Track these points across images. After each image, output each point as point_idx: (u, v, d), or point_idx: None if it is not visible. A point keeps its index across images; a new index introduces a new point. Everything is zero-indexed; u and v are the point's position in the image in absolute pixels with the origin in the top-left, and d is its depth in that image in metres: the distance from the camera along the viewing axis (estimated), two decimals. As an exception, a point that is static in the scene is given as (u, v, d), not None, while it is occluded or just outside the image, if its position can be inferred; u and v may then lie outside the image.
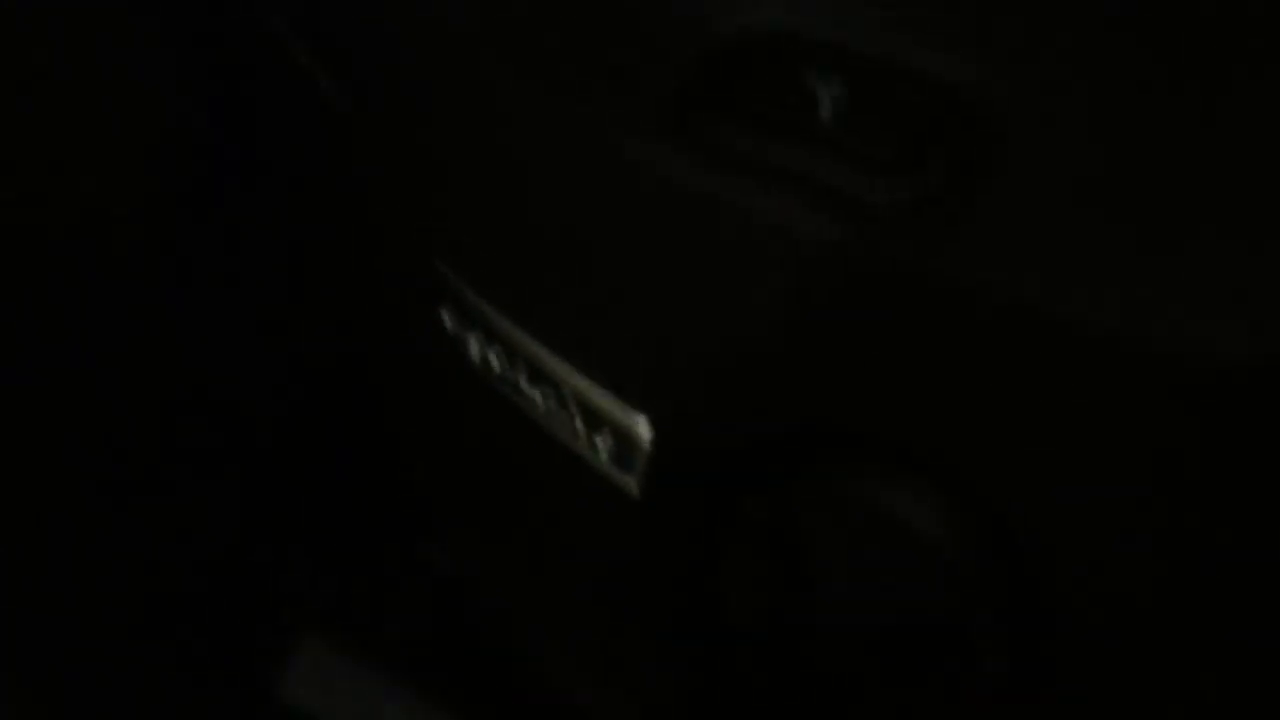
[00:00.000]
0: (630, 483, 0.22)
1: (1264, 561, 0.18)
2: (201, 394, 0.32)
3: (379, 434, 0.32)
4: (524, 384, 0.23)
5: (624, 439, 0.22)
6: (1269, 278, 0.17)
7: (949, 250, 0.18)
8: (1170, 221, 0.17)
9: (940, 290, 0.18)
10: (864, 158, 0.18)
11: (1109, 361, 0.17)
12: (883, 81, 0.19)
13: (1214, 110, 0.17)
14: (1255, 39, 0.17)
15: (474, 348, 0.24)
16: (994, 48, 0.19)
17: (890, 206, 0.18)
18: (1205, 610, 0.18)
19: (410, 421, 0.29)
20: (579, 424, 0.23)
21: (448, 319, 0.24)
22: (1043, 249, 0.17)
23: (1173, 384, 0.17)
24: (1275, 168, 0.17)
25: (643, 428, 0.22)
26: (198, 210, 0.31)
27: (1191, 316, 0.17)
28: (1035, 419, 0.18)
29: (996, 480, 0.19)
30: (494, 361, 0.24)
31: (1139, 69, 0.17)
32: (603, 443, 0.22)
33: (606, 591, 0.24)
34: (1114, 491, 0.18)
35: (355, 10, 0.24)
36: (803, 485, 0.20)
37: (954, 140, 0.18)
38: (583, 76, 0.21)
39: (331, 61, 0.26)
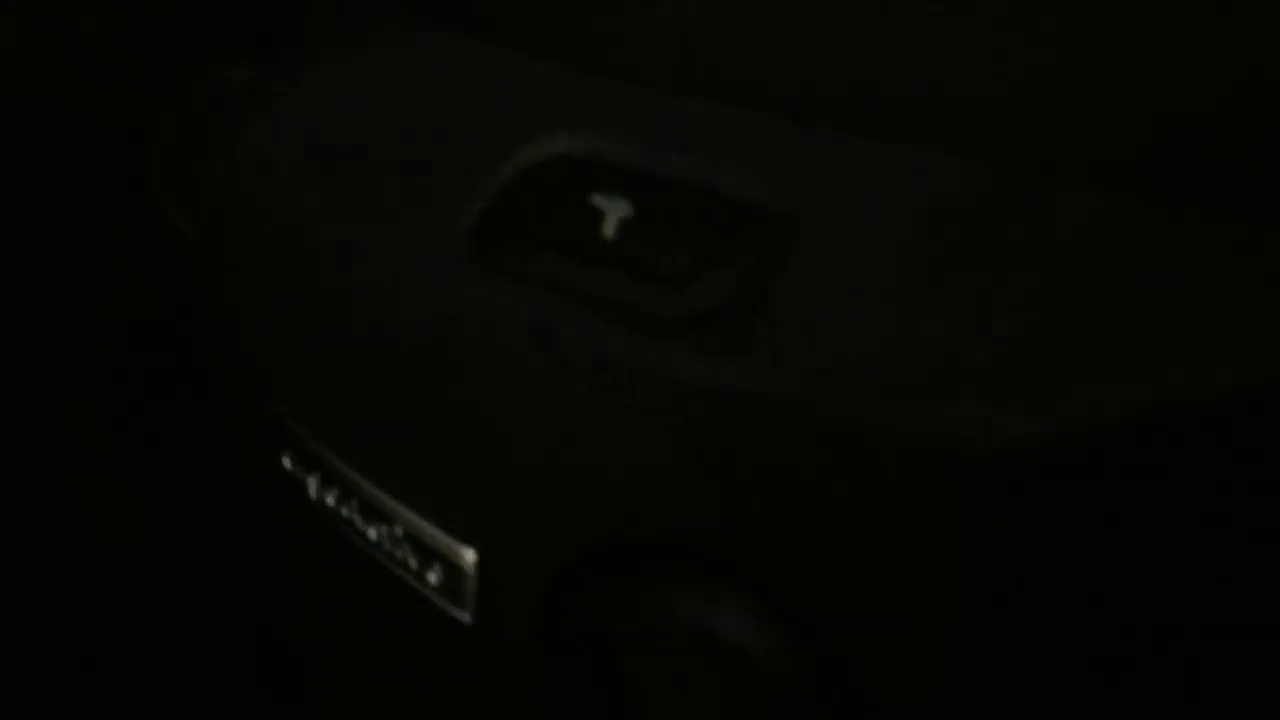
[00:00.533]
0: (461, 612, 0.22)
1: (1059, 648, 0.18)
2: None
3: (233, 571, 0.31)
4: (359, 521, 0.23)
5: (452, 570, 0.22)
6: (1033, 370, 0.17)
7: (730, 360, 0.18)
8: (945, 321, 0.17)
9: (730, 400, 0.18)
10: (648, 272, 0.19)
11: (893, 458, 0.17)
12: (667, 199, 0.19)
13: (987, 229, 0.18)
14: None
15: (312, 487, 0.24)
16: (780, 165, 0.19)
17: (676, 319, 0.18)
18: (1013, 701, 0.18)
19: (262, 562, 0.28)
20: (411, 558, 0.23)
21: (288, 460, 0.24)
22: (825, 355, 0.18)
23: (952, 473, 0.17)
24: (1036, 271, 0.17)
25: (469, 558, 0.22)
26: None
27: (966, 407, 0.17)
28: (833, 523, 0.18)
29: (804, 587, 0.19)
30: (330, 502, 0.24)
31: (921, 182, 0.18)
32: (434, 575, 0.22)
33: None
34: (911, 589, 0.18)
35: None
36: (619, 604, 0.20)
37: (734, 253, 0.19)
38: (388, 210, 0.22)
39: (183, 201, 0.27)
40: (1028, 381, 0.17)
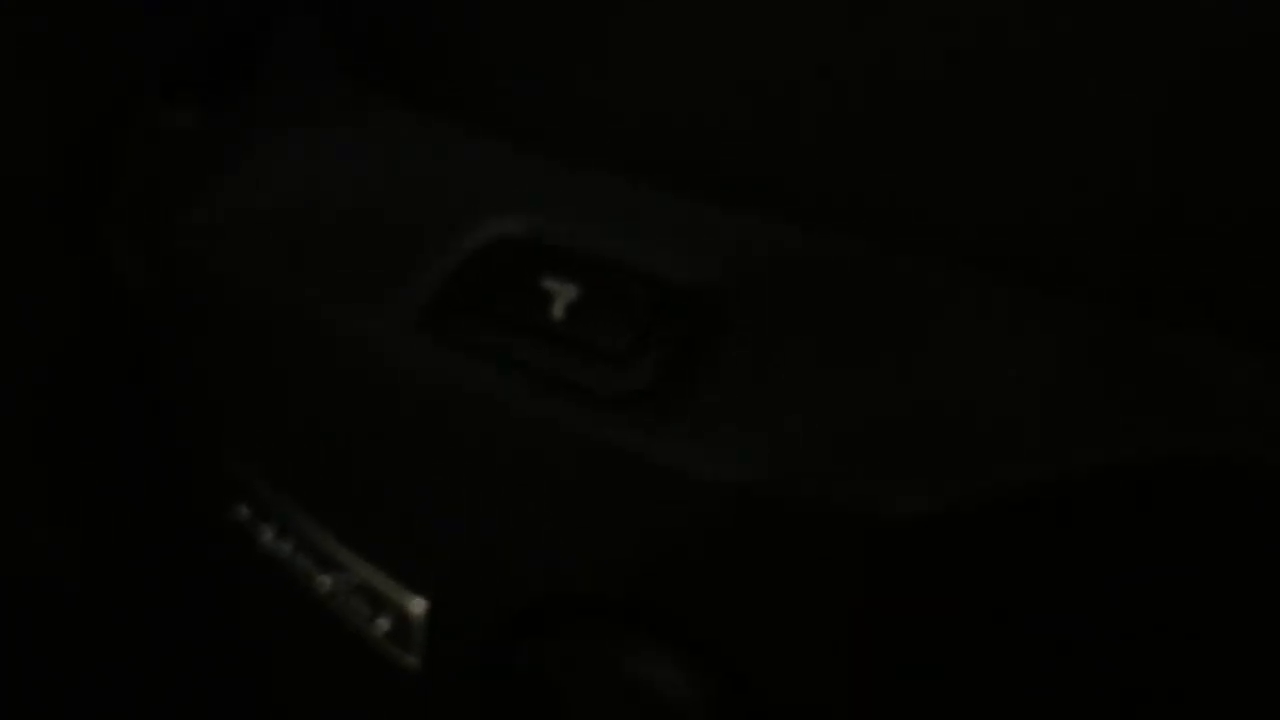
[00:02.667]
0: (410, 658, 0.24)
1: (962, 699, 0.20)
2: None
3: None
4: (312, 569, 0.25)
5: (401, 617, 0.23)
6: (931, 450, 0.19)
7: (664, 433, 0.20)
8: (857, 402, 0.19)
9: (658, 471, 0.20)
10: (591, 351, 0.21)
11: (807, 525, 0.19)
12: (610, 280, 0.21)
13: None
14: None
15: (266, 536, 0.25)
16: (710, 250, 0.21)
17: (613, 396, 0.20)
18: None
19: (209, 606, 0.30)
20: (363, 606, 0.24)
21: (242, 511, 0.26)
22: (746, 430, 0.19)
23: (861, 539, 0.19)
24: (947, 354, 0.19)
25: (418, 606, 0.23)
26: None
27: (874, 479, 0.19)
28: (751, 581, 0.20)
29: (730, 640, 0.20)
30: (283, 549, 0.25)
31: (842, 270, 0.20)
32: (384, 622, 0.24)
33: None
34: (823, 641, 0.20)
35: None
36: (558, 653, 0.21)
37: (672, 333, 0.20)
38: (344, 281, 0.23)
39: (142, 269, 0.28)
40: (926, 459, 0.19)
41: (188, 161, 0.29)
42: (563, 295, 0.21)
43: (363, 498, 0.23)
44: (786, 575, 0.20)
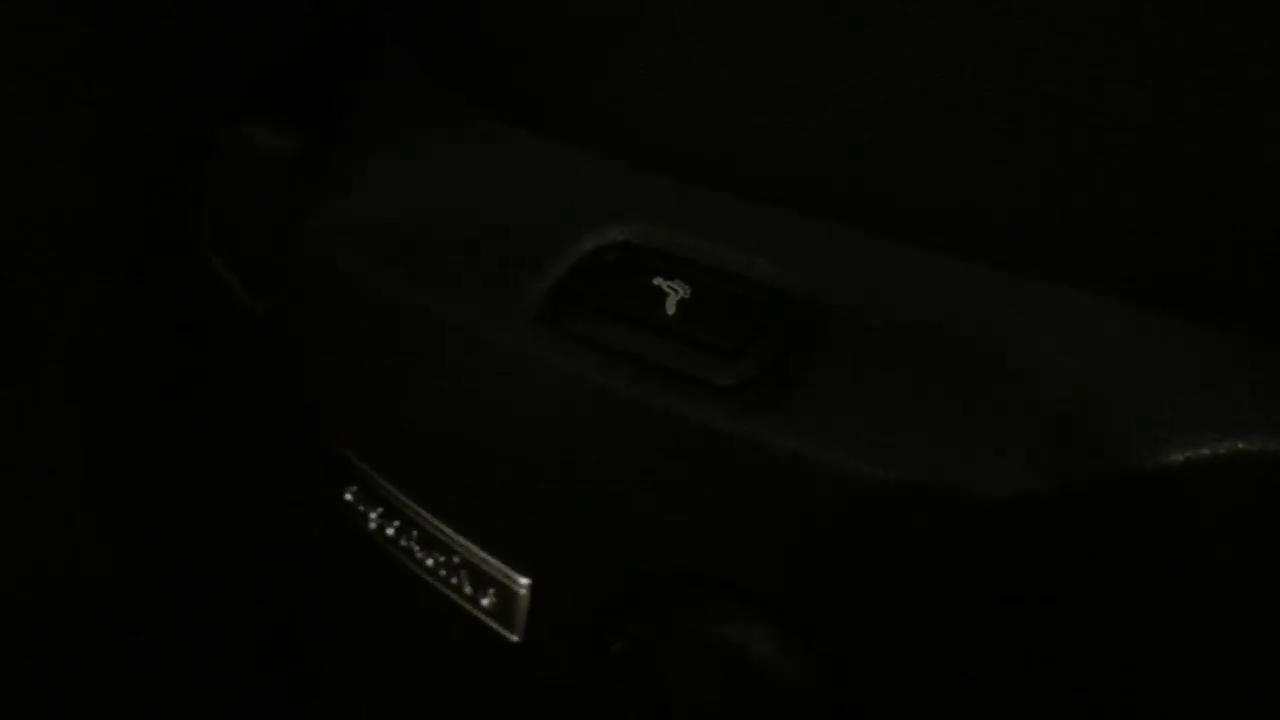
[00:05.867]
0: (511, 633, 0.25)
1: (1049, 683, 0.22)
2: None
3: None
4: (418, 550, 0.26)
5: (505, 595, 0.25)
6: (1030, 430, 0.21)
7: (774, 420, 0.22)
8: (945, 395, 0.21)
9: (768, 455, 0.21)
10: (702, 344, 0.23)
11: (901, 507, 0.21)
12: (717, 282, 0.23)
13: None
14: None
15: (373, 521, 0.27)
16: (811, 259, 0.23)
17: (725, 385, 0.22)
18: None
19: (306, 594, 0.31)
20: (467, 583, 0.26)
21: (350, 496, 0.27)
22: (851, 415, 0.21)
23: (960, 519, 0.21)
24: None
25: (522, 585, 0.25)
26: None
27: (973, 462, 0.21)
28: (853, 561, 0.21)
29: (831, 619, 0.22)
30: (390, 532, 0.27)
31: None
32: (487, 599, 0.26)
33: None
34: (920, 622, 0.21)
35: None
36: (661, 630, 0.23)
37: (777, 330, 0.22)
38: (464, 284, 0.25)
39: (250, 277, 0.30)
40: (1021, 444, 0.21)
41: (292, 176, 0.31)
42: (674, 294, 0.23)
43: (475, 483, 0.25)
44: (887, 554, 0.21)
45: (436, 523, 0.26)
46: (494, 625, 0.26)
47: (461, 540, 0.26)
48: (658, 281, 0.23)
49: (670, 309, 0.23)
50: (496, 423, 0.24)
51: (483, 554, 0.25)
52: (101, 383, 0.34)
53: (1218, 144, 0.20)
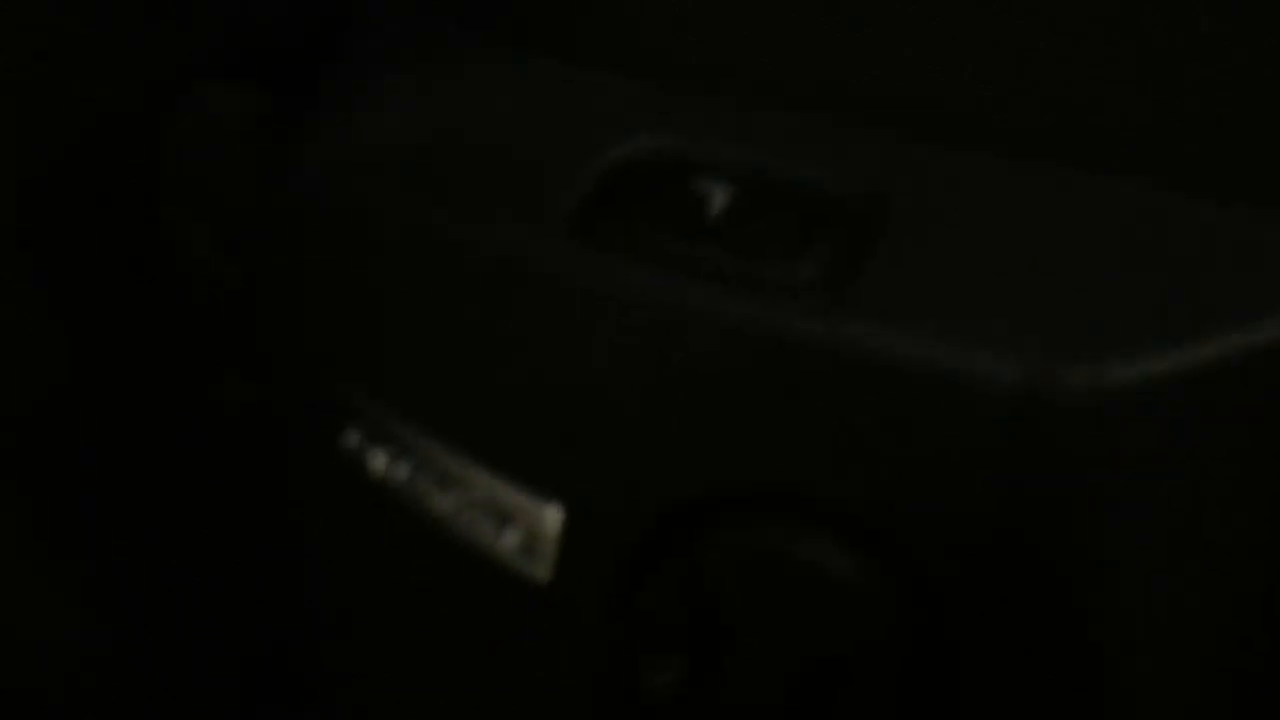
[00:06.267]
0: (538, 569, 0.24)
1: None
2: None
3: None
4: (431, 492, 0.25)
5: (532, 528, 0.24)
6: (1101, 322, 0.20)
7: (841, 318, 0.21)
8: (1017, 289, 0.21)
9: (837, 354, 0.20)
10: (755, 246, 0.22)
11: (982, 398, 0.20)
12: (761, 185, 0.22)
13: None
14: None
15: (378, 462, 0.25)
16: (857, 163, 0.22)
17: (783, 286, 0.21)
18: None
19: (297, 551, 0.29)
20: (487, 522, 0.24)
21: (353, 441, 0.26)
22: (919, 310, 0.21)
23: (1036, 411, 0.20)
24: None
25: (552, 515, 0.23)
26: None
27: (1046, 353, 0.20)
28: (930, 462, 0.21)
29: (910, 528, 0.21)
30: (400, 476, 0.25)
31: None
32: (510, 536, 0.24)
33: (516, 698, 0.25)
34: (1003, 525, 0.21)
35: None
36: (716, 546, 0.22)
37: (832, 228, 0.21)
38: (485, 201, 0.24)
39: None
40: (1092, 336, 0.20)
41: (265, 132, 0.30)
42: (716, 197, 0.22)
43: (499, 411, 0.24)
44: (964, 451, 0.20)
45: (456, 459, 0.24)
46: (519, 566, 0.24)
47: (485, 475, 0.24)
48: (697, 187, 0.22)
49: (715, 212, 0.22)
50: (528, 344, 0.23)
51: (509, 488, 0.24)
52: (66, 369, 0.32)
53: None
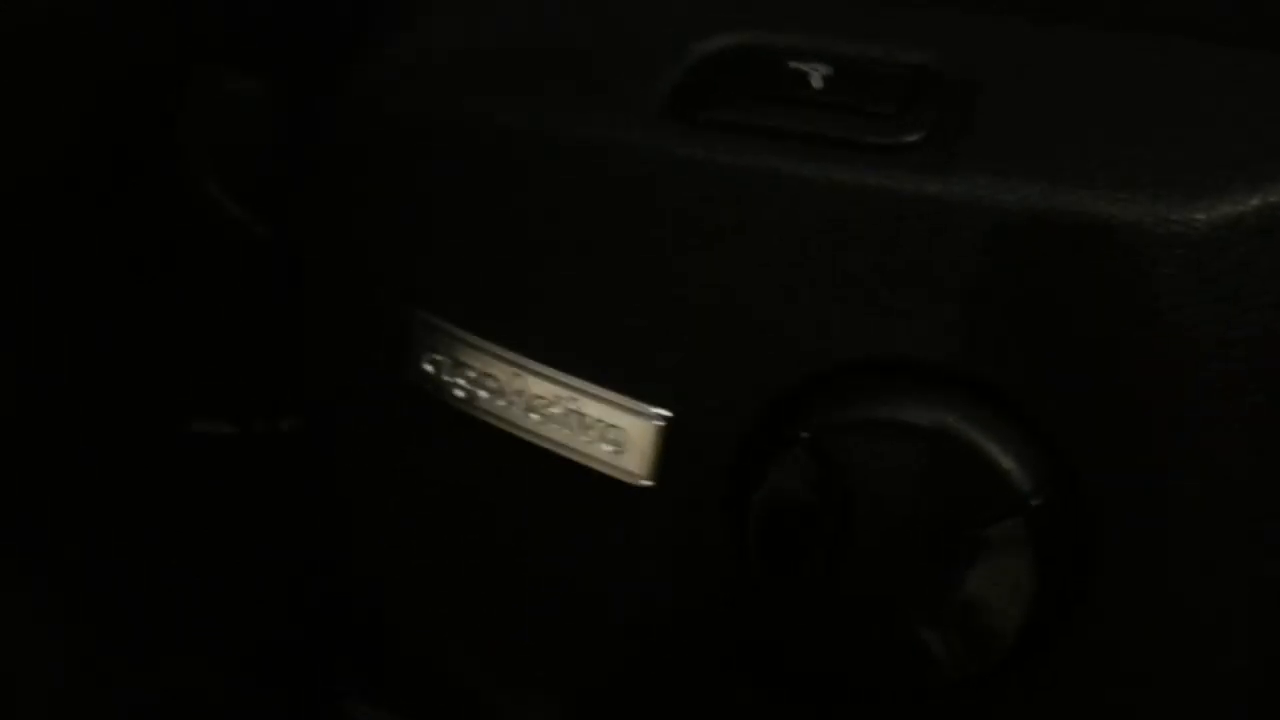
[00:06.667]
0: (639, 478, 0.23)
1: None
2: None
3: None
4: (519, 409, 0.24)
5: (632, 435, 0.23)
6: (1203, 169, 0.20)
7: (953, 172, 0.20)
8: (1123, 136, 0.21)
9: (955, 211, 0.20)
10: (860, 111, 0.21)
11: (1096, 242, 0.20)
12: (857, 61, 0.22)
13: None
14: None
15: (460, 389, 0.25)
16: (934, 41, 0.22)
17: (895, 146, 0.21)
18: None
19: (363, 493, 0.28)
20: (582, 433, 0.23)
21: (429, 366, 0.25)
22: (1030, 162, 0.20)
23: (1150, 251, 0.20)
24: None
25: (656, 419, 0.23)
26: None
27: (1156, 195, 0.20)
28: (1045, 312, 0.20)
29: (1042, 391, 0.21)
30: (483, 395, 0.24)
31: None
32: (608, 445, 0.23)
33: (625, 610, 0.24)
34: (1130, 379, 0.20)
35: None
36: (840, 425, 0.21)
37: (935, 95, 0.21)
38: (575, 97, 0.23)
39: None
40: (1199, 179, 0.20)
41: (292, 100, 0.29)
42: (816, 72, 0.22)
43: (597, 314, 0.23)
44: (1081, 296, 0.20)
45: (547, 371, 0.24)
46: (618, 472, 0.23)
47: (579, 384, 0.23)
48: (795, 65, 0.22)
49: (817, 84, 0.22)
50: (628, 239, 0.22)
51: (607, 394, 0.23)
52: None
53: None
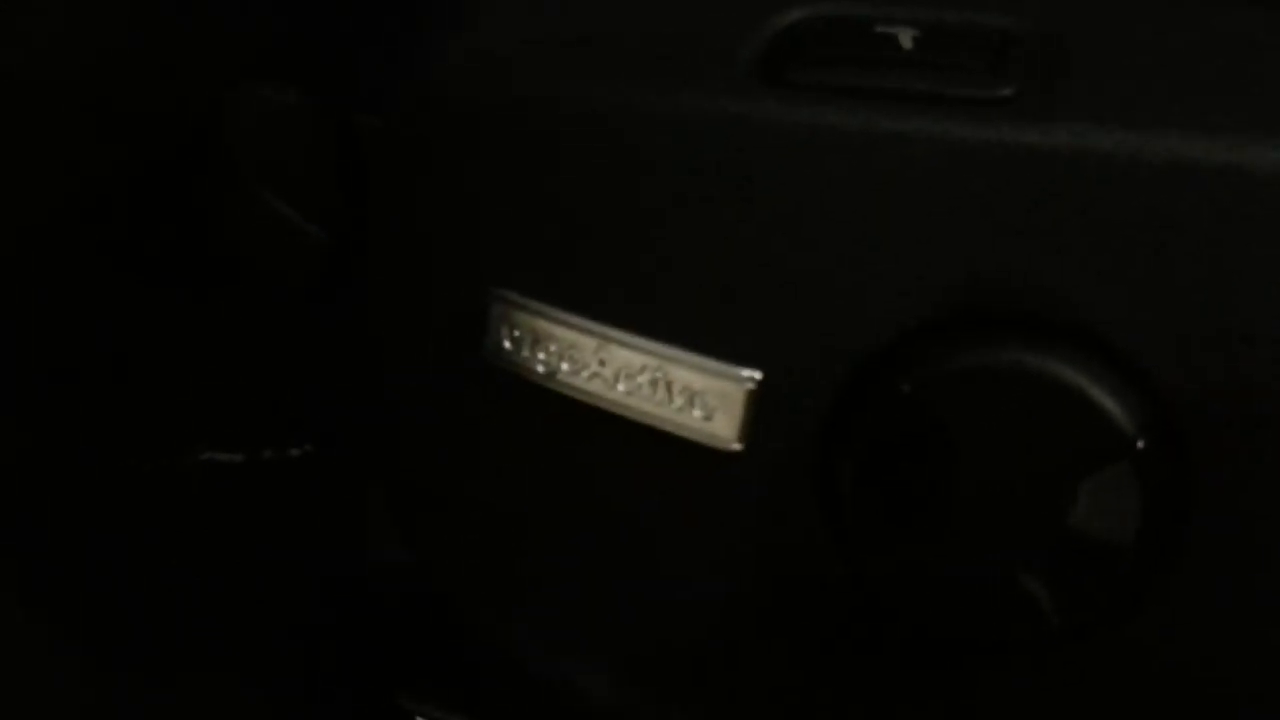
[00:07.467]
0: (730, 442, 0.23)
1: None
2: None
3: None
4: (602, 381, 0.24)
5: (721, 399, 0.23)
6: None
7: (1049, 122, 0.21)
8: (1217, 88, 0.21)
9: (1055, 161, 0.21)
10: (955, 68, 0.22)
11: (1196, 187, 0.20)
12: (944, 24, 0.23)
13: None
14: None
15: (541, 364, 0.24)
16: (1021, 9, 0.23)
17: (993, 99, 0.21)
18: None
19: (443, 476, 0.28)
20: (672, 400, 0.23)
21: (508, 343, 0.25)
22: (1127, 112, 0.21)
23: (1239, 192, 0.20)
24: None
25: (747, 381, 0.23)
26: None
27: (1244, 137, 0.20)
28: (1150, 260, 0.20)
29: (1149, 336, 0.21)
30: (565, 367, 0.24)
31: None
32: (699, 411, 0.23)
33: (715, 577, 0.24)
34: (1246, 328, 0.20)
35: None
36: (944, 375, 0.21)
37: (1026, 52, 0.22)
38: (659, 72, 0.23)
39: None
40: None
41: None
42: (905, 34, 0.22)
43: (685, 278, 0.23)
44: (1177, 241, 0.20)
45: (633, 340, 0.24)
46: (708, 438, 0.23)
47: (667, 351, 0.23)
48: (882, 29, 0.23)
49: (906, 44, 0.22)
50: (719, 204, 0.23)
51: (695, 359, 0.23)
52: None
53: None
